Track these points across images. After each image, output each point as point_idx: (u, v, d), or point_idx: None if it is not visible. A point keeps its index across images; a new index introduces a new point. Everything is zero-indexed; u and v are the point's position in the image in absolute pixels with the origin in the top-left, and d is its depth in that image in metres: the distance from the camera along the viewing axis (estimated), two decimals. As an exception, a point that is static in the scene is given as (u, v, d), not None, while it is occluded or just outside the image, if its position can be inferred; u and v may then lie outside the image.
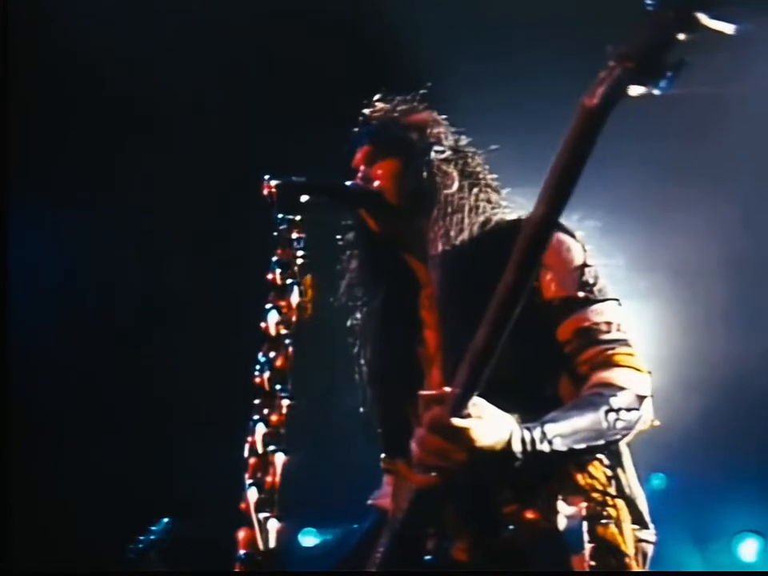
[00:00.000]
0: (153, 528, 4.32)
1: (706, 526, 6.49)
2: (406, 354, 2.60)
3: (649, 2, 1.61)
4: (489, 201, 2.59)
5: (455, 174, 2.59)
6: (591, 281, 2.36)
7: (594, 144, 1.72)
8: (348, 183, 2.58)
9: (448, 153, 2.61)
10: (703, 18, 1.56)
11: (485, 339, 1.87)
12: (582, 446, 2.11)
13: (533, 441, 2.04)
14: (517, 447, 2.02)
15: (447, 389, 2.01)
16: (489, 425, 2.00)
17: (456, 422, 1.96)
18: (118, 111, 5.34)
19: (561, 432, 2.08)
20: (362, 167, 2.63)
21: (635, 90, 1.64)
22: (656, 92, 1.62)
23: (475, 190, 2.58)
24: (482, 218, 2.52)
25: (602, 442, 2.15)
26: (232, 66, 5.19)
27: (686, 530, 6.41)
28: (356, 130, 2.72)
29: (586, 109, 1.71)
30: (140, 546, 4.28)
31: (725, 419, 6.07)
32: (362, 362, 2.73)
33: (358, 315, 2.76)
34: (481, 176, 2.62)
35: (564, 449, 2.07)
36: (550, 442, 2.05)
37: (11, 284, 5.30)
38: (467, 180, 2.59)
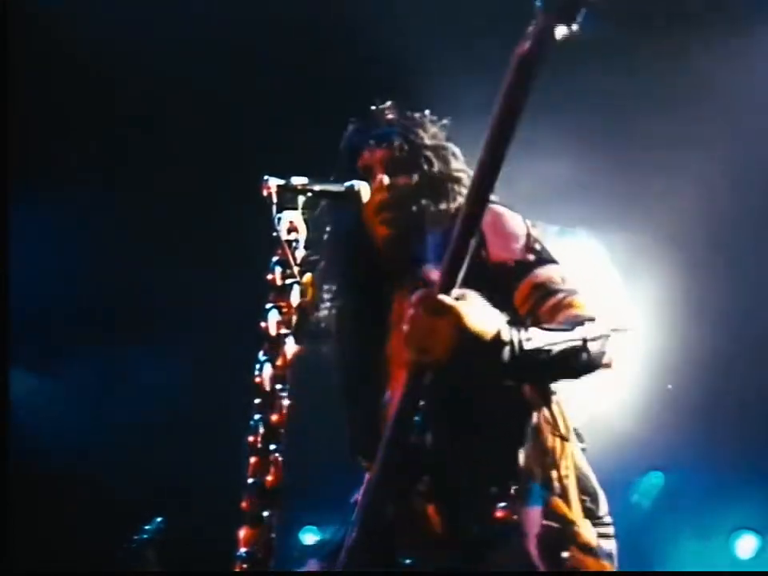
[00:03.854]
0: (146, 527, 4.34)
1: (704, 522, 6.50)
2: (370, 357, 2.60)
3: None
4: None
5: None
6: (538, 246, 2.45)
7: (529, 92, 1.91)
8: (348, 183, 2.58)
9: (461, 174, 2.65)
10: None
11: (463, 221, 2.04)
12: (560, 358, 2.18)
13: (519, 341, 2.12)
14: (506, 338, 2.10)
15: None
16: (478, 310, 2.09)
17: (444, 298, 2.05)
18: (118, 110, 5.36)
19: (544, 339, 2.16)
20: (379, 174, 2.62)
21: (559, 32, 1.87)
22: (575, 29, 1.86)
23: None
24: None
25: (578, 361, 2.21)
26: (232, 64, 5.20)
27: (683, 526, 6.44)
28: (363, 126, 2.72)
29: (518, 57, 1.90)
30: (134, 545, 4.30)
31: (722, 416, 6.09)
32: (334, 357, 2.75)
33: (330, 311, 2.75)
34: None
35: (544, 355, 2.15)
36: (533, 347, 2.13)
37: (11, 281, 5.31)
38: None
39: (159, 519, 4.35)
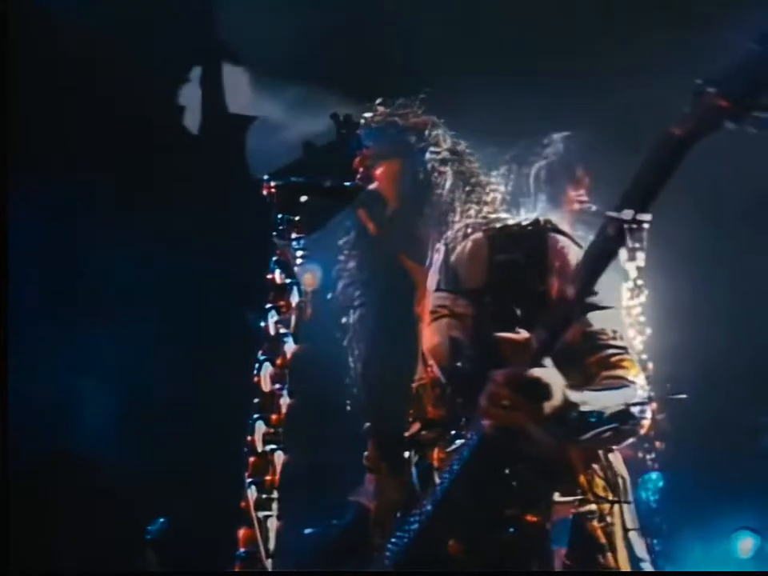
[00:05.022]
0: (149, 528, 4.35)
1: (703, 523, 6.50)
2: (400, 353, 2.63)
3: (754, 44, 1.57)
4: (481, 201, 2.62)
5: (450, 173, 2.61)
6: (596, 288, 2.42)
7: (675, 172, 1.73)
8: (347, 183, 2.59)
9: (444, 154, 2.65)
10: None
11: (573, 298, 1.97)
12: (608, 422, 2.20)
13: (577, 403, 2.15)
14: (573, 401, 2.12)
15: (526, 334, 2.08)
16: (558, 377, 2.10)
17: (542, 377, 2.06)
18: (118, 109, 5.36)
19: (596, 401, 2.19)
20: (361, 169, 2.66)
21: (727, 126, 1.62)
22: (751, 131, 1.60)
23: (467, 188, 2.63)
24: (479, 220, 2.56)
25: (623, 426, 2.25)
26: (232, 63, 5.20)
27: (683, 526, 6.43)
28: (357, 132, 2.75)
29: (673, 137, 1.70)
30: (139, 545, 4.31)
31: (722, 416, 6.09)
32: (351, 359, 2.76)
33: (352, 312, 2.78)
34: (473, 179, 2.65)
35: (596, 418, 2.18)
36: (588, 409, 2.16)
37: (10, 277, 5.30)
38: (461, 180, 2.63)
39: (162, 520, 4.35)
